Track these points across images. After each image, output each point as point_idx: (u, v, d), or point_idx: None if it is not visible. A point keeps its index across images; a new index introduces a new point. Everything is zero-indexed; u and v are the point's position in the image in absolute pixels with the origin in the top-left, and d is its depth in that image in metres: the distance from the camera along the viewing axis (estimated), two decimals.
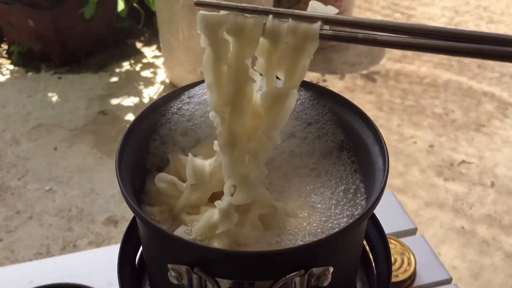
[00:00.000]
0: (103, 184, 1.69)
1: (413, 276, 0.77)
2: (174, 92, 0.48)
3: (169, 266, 0.38)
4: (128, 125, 0.44)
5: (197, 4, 0.39)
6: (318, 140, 0.47)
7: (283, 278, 0.37)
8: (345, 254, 0.41)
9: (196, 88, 0.49)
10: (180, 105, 0.48)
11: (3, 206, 1.61)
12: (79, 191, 1.66)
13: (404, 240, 0.82)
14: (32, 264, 0.89)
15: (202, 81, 0.50)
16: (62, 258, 0.92)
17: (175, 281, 0.39)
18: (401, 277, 0.76)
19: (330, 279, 0.38)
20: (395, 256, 0.79)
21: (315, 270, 0.37)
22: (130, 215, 1.65)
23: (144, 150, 0.46)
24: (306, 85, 0.51)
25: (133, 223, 0.52)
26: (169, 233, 0.36)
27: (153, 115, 0.46)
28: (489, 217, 1.58)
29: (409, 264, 0.78)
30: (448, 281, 0.78)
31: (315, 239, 0.40)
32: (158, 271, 0.43)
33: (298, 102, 0.49)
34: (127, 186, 0.40)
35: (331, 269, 0.38)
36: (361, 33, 0.37)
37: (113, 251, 0.84)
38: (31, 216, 1.58)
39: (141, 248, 0.52)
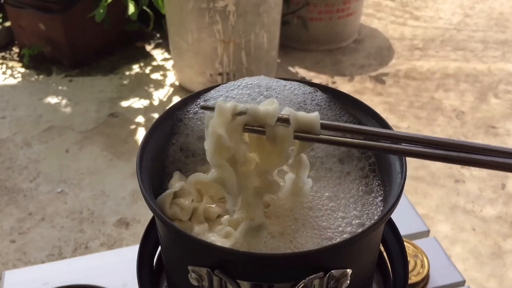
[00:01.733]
0: (113, 186, 1.70)
1: (426, 279, 0.77)
2: (191, 97, 0.49)
3: (190, 268, 0.39)
4: (140, 129, 0.45)
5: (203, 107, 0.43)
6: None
7: (303, 281, 0.37)
8: (363, 256, 0.41)
9: (212, 92, 0.50)
10: (197, 109, 0.49)
11: (15, 208, 1.63)
12: (90, 193, 1.68)
13: (417, 242, 0.82)
14: (47, 266, 0.90)
15: (218, 85, 0.51)
16: (76, 260, 0.93)
17: (195, 283, 0.39)
18: (414, 279, 0.76)
19: (349, 282, 0.39)
20: (408, 258, 0.79)
21: (335, 273, 0.38)
22: (141, 217, 1.66)
23: (163, 154, 0.46)
24: (321, 88, 0.51)
25: (150, 225, 0.52)
26: (190, 236, 0.37)
27: (171, 119, 0.47)
28: (500, 219, 1.58)
29: (422, 266, 0.78)
30: (462, 283, 0.78)
31: (335, 242, 0.40)
32: (178, 273, 0.43)
33: (314, 102, 0.50)
34: (147, 188, 0.40)
35: (350, 271, 0.38)
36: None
37: (126, 252, 0.85)
38: (43, 218, 1.59)
39: (159, 249, 0.52)
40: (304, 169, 0.43)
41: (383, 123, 0.46)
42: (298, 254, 0.37)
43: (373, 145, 0.39)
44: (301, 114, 0.39)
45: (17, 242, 1.52)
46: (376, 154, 0.46)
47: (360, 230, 0.39)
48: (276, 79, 0.51)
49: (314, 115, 0.39)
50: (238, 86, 0.50)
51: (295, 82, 0.51)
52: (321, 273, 0.37)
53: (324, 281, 0.38)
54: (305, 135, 0.39)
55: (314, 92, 0.50)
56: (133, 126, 1.97)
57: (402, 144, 0.38)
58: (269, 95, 0.50)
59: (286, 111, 0.40)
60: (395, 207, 0.38)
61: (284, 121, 0.40)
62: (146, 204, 0.39)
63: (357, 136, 0.40)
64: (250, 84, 0.50)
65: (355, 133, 0.40)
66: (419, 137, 0.37)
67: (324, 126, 0.39)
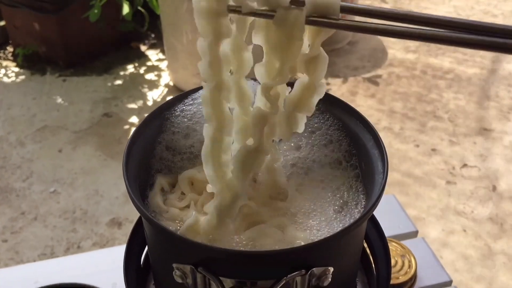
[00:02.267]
0: (107, 186, 1.70)
1: (413, 278, 0.78)
2: (179, 96, 0.50)
3: (174, 265, 0.39)
4: (134, 129, 0.45)
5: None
6: (324, 148, 0.48)
7: (285, 278, 0.38)
8: (345, 254, 0.42)
9: (200, 91, 0.50)
10: (183, 107, 0.49)
11: (8, 207, 1.63)
12: (83, 193, 1.68)
13: (405, 242, 0.82)
14: (37, 264, 0.90)
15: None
16: (66, 258, 0.94)
17: (179, 280, 0.40)
18: (402, 279, 0.77)
19: (330, 279, 0.39)
20: (395, 258, 0.79)
21: (316, 270, 0.38)
22: (133, 217, 1.66)
23: (150, 154, 0.47)
24: None
25: (138, 224, 0.53)
26: (174, 233, 0.38)
27: (158, 119, 0.48)
28: (491, 221, 1.59)
29: (409, 266, 0.79)
30: (449, 283, 0.79)
31: (316, 240, 0.41)
32: (163, 271, 0.44)
33: None
34: (133, 187, 0.41)
35: (331, 269, 0.39)
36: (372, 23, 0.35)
37: (117, 252, 0.85)
38: (36, 217, 1.59)
39: (146, 249, 0.53)
40: (322, 65, 0.37)
41: (367, 125, 0.47)
42: (280, 252, 0.38)
43: (392, 30, 0.34)
44: None
45: (10, 242, 1.52)
46: (358, 155, 0.47)
47: (340, 229, 0.40)
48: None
49: None
50: None
51: None
52: (302, 270, 0.38)
53: (305, 279, 0.38)
54: (321, 19, 0.34)
55: None
56: (127, 126, 1.97)
57: (420, 27, 0.33)
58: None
59: None
60: (375, 207, 0.39)
61: (298, 3, 0.34)
62: (132, 202, 0.39)
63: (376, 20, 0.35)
64: None
65: (378, 16, 0.35)
66: (438, 18, 0.33)
67: (343, 9, 0.34)
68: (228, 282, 0.39)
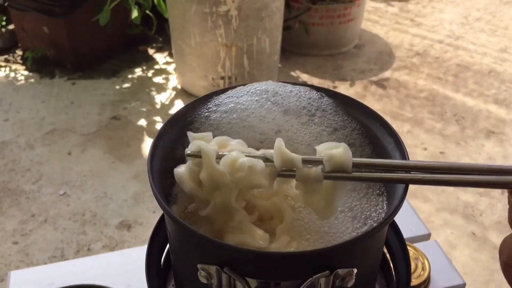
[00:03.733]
0: (116, 188, 1.71)
1: (427, 281, 0.78)
2: (201, 99, 0.50)
3: (199, 266, 0.40)
4: (150, 131, 0.46)
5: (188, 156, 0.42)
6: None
7: (310, 279, 0.38)
8: (368, 256, 0.42)
9: (222, 96, 0.51)
10: (208, 113, 0.50)
11: (18, 210, 1.64)
12: (92, 195, 1.69)
13: (418, 245, 0.83)
14: (52, 266, 0.91)
15: (226, 89, 0.52)
16: (81, 260, 0.94)
17: (204, 281, 0.40)
18: (415, 282, 0.77)
19: (354, 280, 0.40)
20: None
21: (340, 271, 0.39)
22: (143, 219, 1.67)
23: (172, 156, 0.47)
24: (327, 92, 0.52)
25: (158, 225, 0.53)
26: (200, 234, 0.38)
27: (180, 122, 0.48)
28: (499, 224, 1.58)
29: (423, 269, 0.79)
30: (462, 286, 0.79)
31: (341, 241, 0.41)
32: (186, 271, 0.44)
33: (320, 108, 0.51)
34: (157, 186, 0.41)
35: (355, 270, 0.39)
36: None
37: (130, 253, 0.86)
38: (46, 220, 1.60)
39: (166, 249, 0.53)
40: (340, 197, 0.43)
41: (388, 128, 0.47)
42: (305, 253, 0.38)
43: (404, 178, 0.40)
44: (336, 152, 0.40)
45: (20, 244, 1.53)
46: (380, 157, 0.47)
47: (365, 231, 0.40)
48: (283, 84, 0.52)
49: (348, 155, 0.40)
50: (247, 92, 0.51)
51: (301, 87, 0.52)
52: (327, 271, 0.38)
53: (330, 280, 0.39)
54: (336, 174, 0.40)
55: (320, 98, 0.51)
56: (135, 129, 1.98)
57: (434, 173, 0.40)
58: (276, 100, 0.51)
59: (320, 152, 0.41)
60: (399, 208, 0.39)
61: (307, 162, 0.41)
62: (156, 201, 0.40)
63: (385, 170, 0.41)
64: (258, 90, 0.51)
65: (384, 168, 0.41)
66: (446, 165, 0.40)
67: (354, 164, 0.40)
68: (252, 283, 0.39)
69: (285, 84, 0.52)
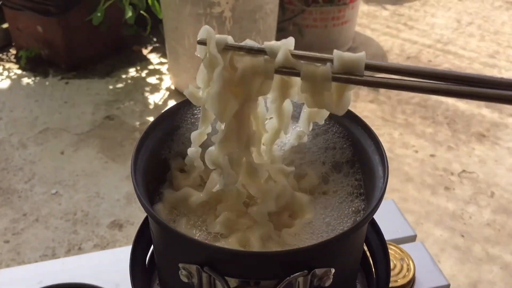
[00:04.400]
0: (108, 188, 1.71)
1: (412, 282, 0.79)
2: (186, 101, 0.51)
3: (180, 265, 0.41)
4: (143, 131, 0.46)
5: (199, 42, 0.41)
6: (326, 152, 0.49)
7: (288, 278, 0.39)
8: (346, 256, 0.43)
9: None
10: (193, 120, 0.51)
11: (10, 208, 1.64)
12: (84, 195, 1.69)
13: (403, 246, 0.84)
14: (41, 265, 0.91)
15: None
16: (70, 259, 0.95)
17: (185, 280, 0.41)
18: (400, 282, 0.78)
19: (331, 280, 0.41)
20: (394, 261, 0.81)
21: (318, 271, 0.40)
22: (134, 219, 1.67)
23: (157, 156, 0.48)
24: None
25: (144, 224, 0.54)
26: (181, 233, 0.39)
27: (167, 121, 0.49)
28: (488, 227, 1.60)
29: (408, 270, 0.80)
30: (446, 287, 0.80)
31: (318, 242, 0.42)
32: (169, 270, 0.45)
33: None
34: (141, 187, 0.42)
35: (333, 270, 0.40)
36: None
37: (120, 253, 0.87)
38: (37, 219, 1.60)
39: (151, 249, 0.54)
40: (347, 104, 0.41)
41: (369, 131, 0.48)
42: (283, 253, 0.39)
43: (415, 86, 0.38)
44: (347, 54, 0.38)
45: (11, 242, 1.53)
46: (359, 160, 0.48)
47: (342, 231, 0.41)
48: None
49: (360, 55, 0.38)
50: None
51: None
52: (305, 271, 0.39)
53: (308, 279, 0.40)
54: (346, 76, 0.38)
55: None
56: (128, 129, 1.99)
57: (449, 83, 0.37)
58: None
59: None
60: (375, 211, 0.40)
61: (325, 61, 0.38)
62: (139, 201, 0.41)
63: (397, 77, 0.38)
64: None
65: (399, 73, 0.38)
66: (445, 73, 0.37)
67: (368, 67, 0.38)
68: (232, 282, 0.40)
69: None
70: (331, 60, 0.38)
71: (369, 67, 0.38)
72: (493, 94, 0.35)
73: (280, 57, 0.39)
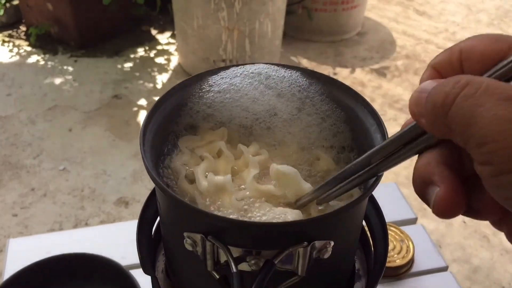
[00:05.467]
0: (115, 166, 1.74)
1: (411, 262, 0.81)
2: (192, 79, 0.52)
3: (185, 234, 0.42)
4: (151, 106, 0.48)
5: None
6: (335, 137, 0.51)
7: (289, 249, 0.40)
8: (345, 230, 0.45)
9: (216, 77, 0.53)
10: (201, 93, 0.52)
11: (19, 183, 1.67)
12: (91, 171, 1.71)
13: (404, 228, 0.85)
14: (49, 235, 0.94)
15: (219, 69, 0.54)
16: (77, 231, 0.97)
17: (190, 248, 0.43)
18: (399, 262, 0.80)
19: (330, 252, 0.42)
20: (394, 243, 0.83)
21: (317, 243, 0.41)
22: (140, 197, 1.70)
23: (166, 130, 0.50)
24: (320, 78, 0.54)
25: (149, 199, 0.56)
26: (186, 203, 0.40)
27: (175, 98, 0.50)
28: None
29: (407, 251, 0.82)
30: (444, 268, 0.82)
31: (317, 215, 0.44)
32: (174, 239, 0.47)
33: (310, 97, 0.53)
34: (149, 159, 0.44)
35: (332, 243, 0.42)
36: None
37: (126, 227, 0.89)
38: (45, 194, 1.63)
39: (157, 221, 0.56)
40: None
41: (372, 110, 0.49)
42: (284, 224, 0.40)
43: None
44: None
45: (19, 216, 1.56)
46: (363, 141, 0.50)
47: (341, 206, 0.43)
48: (275, 67, 0.54)
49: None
50: (240, 74, 0.53)
51: (294, 73, 0.53)
52: (305, 243, 0.40)
53: (307, 250, 0.41)
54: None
55: (308, 86, 0.53)
56: (136, 108, 2.00)
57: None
58: (269, 84, 0.53)
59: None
60: (374, 187, 0.42)
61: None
62: (147, 172, 0.42)
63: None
64: (251, 72, 0.53)
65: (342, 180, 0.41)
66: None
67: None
68: (234, 251, 0.42)
69: (277, 67, 0.54)
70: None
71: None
72: None
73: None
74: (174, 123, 0.51)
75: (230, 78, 0.53)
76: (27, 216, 1.56)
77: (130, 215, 1.58)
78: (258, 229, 0.40)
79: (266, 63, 0.54)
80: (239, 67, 0.54)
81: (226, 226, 0.40)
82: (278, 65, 0.54)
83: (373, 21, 2.71)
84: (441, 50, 0.31)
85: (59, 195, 1.63)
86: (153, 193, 0.56)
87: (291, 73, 0.54)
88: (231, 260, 0.40)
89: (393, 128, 1.92)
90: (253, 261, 0.41)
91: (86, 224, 1.54)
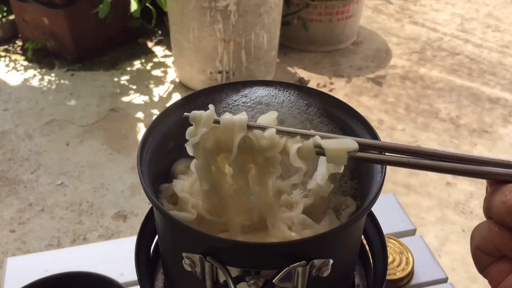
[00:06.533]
0: (113, 179, 1.73)
1: (410, 274, 0.81)
2: (194, 95, 0.52)
3: (184, 254, 0.42)
4: (148, 123, 0.48)
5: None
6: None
7: (287, 268, 0.40)
8: (344, 248, 0.45)
9: (216, 95, 0.53)
10: (202, 102, 0.52)
11: (16, 198, 1.66)
12: (89, 186, 1.71)
13: (403, 240, 0.85)
14: (47, 253, 0.93)
15: (219, 86, 0.54)
16: (76, 248, 0.97)
17: (189, 268, 0.42)
18: (399, 275, 0.80)
19: (329, 270, 0.42)
20: (393, 255, 0.82)
21: (316, 262, 0.41)
22: (138, 210, 1.69)
23: (163, 150, 0.50)
24: (307, 91, 0.54)
25: (149, 215, 0.55)
26: (185, 224, 0.40)
27: (174, 115, 0.50)
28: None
29: (407, 263, 0.82)
30: (444, 280, 0.82)
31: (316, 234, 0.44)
32: (173, 259, 0.47)
33: (309, 120, 0.53)
34: (146, 179, 0.44)
35: (331, 261, 0.42)
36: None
37: (124, 243, 0.89)
38: (43, 209, 1.63)
39: (155, 239, 0.56)
40: None
41: (368, 126, 0.49)
42: (283, 244, 0.40)
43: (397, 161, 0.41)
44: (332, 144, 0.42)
45: (17, 232, 1.55)
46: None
47: (340, 224, 0.43)
48: (274, 91, 0.54)
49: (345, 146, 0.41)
50: (242, 105, 0.52)
51: (292, 94, 0.53)
52: (304, 261, 0.40)
53: (306, 269, 0.41)
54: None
55: (307, 108, 0.53)
56: (133, 122, 2.00)
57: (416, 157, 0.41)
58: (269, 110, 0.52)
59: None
60: (371, 205, 0.42)
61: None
62: (145, 193, 0.42)
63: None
64: (251, 100, 0.53)
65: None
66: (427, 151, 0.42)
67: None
68: (233, 271, 0.41)
69: (274, 90, 0.53)
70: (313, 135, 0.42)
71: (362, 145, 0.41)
72: (478, 171, 0.40)
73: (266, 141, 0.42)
74: (171, 142, 0.51)
75: (230, 108, 0.53)
76: (25, 232, 1.56)
77: (129, 229, 1.57)
78: (257, 249, 0.40)
79: (263, 84, 0.53)
80: (236, 93, 0.53)
81: (225, 246, 0.40)
82: (275, 85, 0.53)
83: (368, 30, 2.72)
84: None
85: (57, 210, 1.63)
86: (151, 211, 0.56)
87: (289, 95, 0.54)
88: (230, 281, 0.40)
89: (389, 138, 1.92)
90: (252, 281, 0.41)
91: (84, 239, 1.54)
